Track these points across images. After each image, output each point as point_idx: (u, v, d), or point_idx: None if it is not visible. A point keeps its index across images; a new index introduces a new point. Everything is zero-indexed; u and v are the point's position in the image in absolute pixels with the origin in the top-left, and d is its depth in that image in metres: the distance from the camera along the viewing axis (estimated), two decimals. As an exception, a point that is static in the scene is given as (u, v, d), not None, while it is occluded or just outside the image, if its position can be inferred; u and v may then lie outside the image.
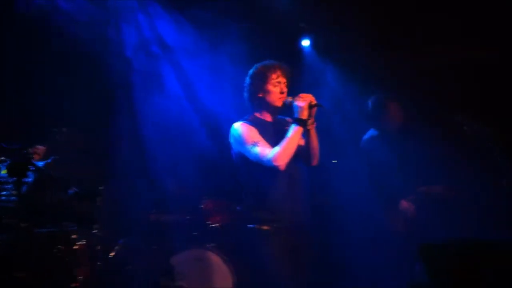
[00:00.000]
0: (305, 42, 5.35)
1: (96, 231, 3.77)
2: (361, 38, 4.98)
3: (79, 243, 3.54)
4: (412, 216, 4.17)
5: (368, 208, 4.36)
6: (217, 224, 4.35)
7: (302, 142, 3.55)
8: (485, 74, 4.68)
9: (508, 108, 4.54)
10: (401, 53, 4.93)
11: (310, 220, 3.63)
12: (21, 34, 4.29)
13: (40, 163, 3.55)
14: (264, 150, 3.42)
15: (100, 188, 3.89)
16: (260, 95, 3.59)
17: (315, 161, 3.63)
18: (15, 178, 3.35)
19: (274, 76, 3.57)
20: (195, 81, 4.87)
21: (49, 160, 3.68)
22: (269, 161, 3.40)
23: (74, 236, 3.54)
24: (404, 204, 4.19)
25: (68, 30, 4.35)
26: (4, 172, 3.43)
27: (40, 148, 3.76)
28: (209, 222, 4.36)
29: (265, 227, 3.50)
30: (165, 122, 4.66)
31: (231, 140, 3.59)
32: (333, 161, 4.93)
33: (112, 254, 3.86)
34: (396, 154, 4.22)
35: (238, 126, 3.55)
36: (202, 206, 4.39)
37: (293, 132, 3.43)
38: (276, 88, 3.57)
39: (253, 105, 3.65)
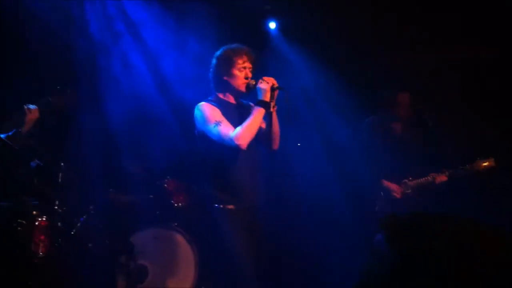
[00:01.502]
0: (272, 25, 5.43)
1: (57, 207, 3.79)
2: (328, 23, 5.06)
3: (40, 219, 3.56)
4: (394, 198, 4.36)
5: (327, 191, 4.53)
6: (180, 204, 4.41)
7: (264, 126, 3.64)
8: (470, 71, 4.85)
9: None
10: (371, 39, 5.02)
11: (265, 201, 3.74)
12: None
13: (2, 135, 3.55)
14: (227, 130, 3.51)
15: (61, 164, 3.90)
16: (225, 78, 3.67)
17: (275, 145, 3.74)
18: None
19: (240, 61, 3.66)
20: (160, 59, 4.89)
21: (10, 133, 3.68)
22: (231, 140, 3.48)
23: (35, 212, 3.56)
24: (389, 185, 4.39)
25: (29, 9, 4.30)
26: None
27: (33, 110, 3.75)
28: (172, 201, 4.41)
29: (229, 207, 3.59)
30: (129, 101, 4.68)
31: (195, 119, 3.65)
32: (298, 144, 5.04)
33: (73, 231, 3.88)
34: (392, 141, 4.41)
35: (202, 106, 3.63)
36: (165, 185, 4.44)
37: (256, 113, 3.53)
38: (241, 73, 3.66)
39: (217, 86, 3.73)
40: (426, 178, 4.42)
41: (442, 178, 4.40)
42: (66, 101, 3.94)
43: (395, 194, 4.43)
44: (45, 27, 4.35)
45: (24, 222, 3.51)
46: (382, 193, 4.44)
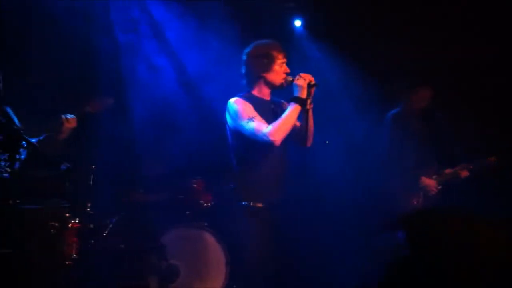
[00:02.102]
0: (297, 23, 5.42)
1: (88, 209, 3.83)
2: (356, 21, 5.05)
3: (72, 221, 3.60)
4: (432, 194, 4.34)
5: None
6: (209, 203, 4.43)
7: (297, 123, 3.63)
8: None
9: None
10: (397, 38, 5.01)
11: (289, 199, 3.76)
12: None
13: (33, 140, 3.60)
14: (260, 125, 3.51)
15: (92, 166, 3.94)
16: (263, 74, 3.65)
17: (309, 143, 3.73)
18: (7, 155, 3.40)
19: (280, 56, 3.65)
20: (183, 59, 4.91)
21: (41, 137, 3.73)
22: (265, 135, 3.48)
23: (67, 214, 3.61)
24: (427, 181, 4.36)
25: (52, 10, 4.35)
26: None
27: (70, 119, 3.81)
28: (201, 201, 4.44)
29: (257, 204, 3.60)
30: (153, 102, 4.71)
31: (226, 116, 3.65)
32: (326, 142, 5.04)
33: (105, 233, 3.92)
34: (415, 135, 4.40)
35: (234, 102, 3.62)
36: (194, 185, 4.47)
37: (291, 110, 3.53)
38: (281, 69, 3.64)
39: (251, 82, 3.71)
40: (451, 172, 4.40)
41: (465, 172, 4.39)
42: (101, 108, 4.01)
43: (432, 190, 4.40)
44: (68, 28, 4.40)
45: (56, 224, 3.56)
46: (419, 189, 4.40)
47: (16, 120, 3.88)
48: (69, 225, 3.63)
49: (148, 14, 4.79)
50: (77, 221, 3.67)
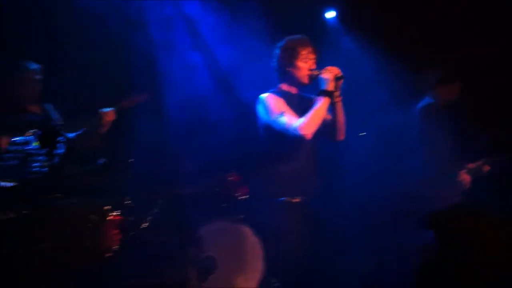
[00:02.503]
0: (330, 14, 5.40)
1: (128, 202, 3.91)
2: (392, 12, 5.03)
3: (112, 213, 3.67)
4: (468, 188, 4.31)
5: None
6: (244, 196, 4.47)
7: (328, 116, 3.64)
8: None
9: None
10: (431, 30, 4.98)
11: (321, 194, 3.81)
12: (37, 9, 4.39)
13: (71, 135, 3.70)
14: (291, 119, 3.55)
15: (130, 160, 4.02)
16: (288, 69, 3.70)
17: (341, 136, 3.78)
18: (46, 150, 3.50)
19: (304, 51, 3.70)
20: (217, 55, 4.96)
21: (79, 132, 3.83)
22: (296, 129, 3.52)
23: (107, 207, 3.68)
24: (463, 175, 4.32)
25: (87, 10, 4.45)
26: (35, 144, 3.57)
27: (109, 112, 3.92)
28: (237, 194, 4.47)
29: (290, 199, 3.63)
30: (188, 97, 4.77)
31: (258, 111, 3.70)
32: (360, 134, 5.03)
33: (144, 225, 3.99)
34: (446, 127, 4.38)
35: (265, 97, 3.68)
36: (229, 178, 4.51)
37: (320, 103, 3.56)
38: (305, 64, 3.69)
39: (280, 77, 3.77)
40: (475, 167, 4.35)
41: (487, 167, 4.34)
42: (136, 103, 4.10)
43: (467, 184, 4.36)
44: (104, 27, 4.49)
45: (96, 217, 3.64)
46: (454, 184, 4.35)
47: (55, 116, 4.01)
48: (110, 218, 3.71)
49: (181, 11, 4.86)
50: (116, 213, 3.74)
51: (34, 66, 4.01)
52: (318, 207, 3.76)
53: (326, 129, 3.68)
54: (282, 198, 3.67)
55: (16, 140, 3.69)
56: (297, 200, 3.68)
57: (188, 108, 4.68)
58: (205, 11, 4.91)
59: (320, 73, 3.61)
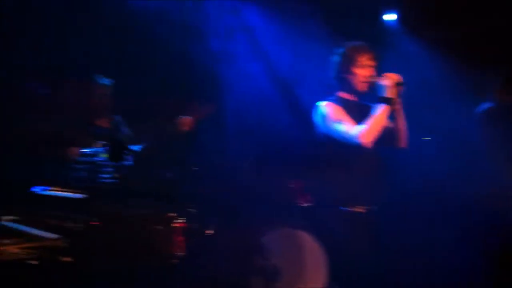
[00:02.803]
0: (390, 16, 5.33)
1: (192, 209, 3.99)
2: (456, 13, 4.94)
3: (177, 221, 3.75)
4: None
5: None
6: (306, 204, 4.48)
7: (388, 124, 3.61)
8: None
9: None
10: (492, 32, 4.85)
11: (385, 203, 3.78)
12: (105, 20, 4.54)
13: (137, 147, 3.82)
14: (350, 128, 3.55)
15: (194, 168, 4.11)
16: (347, 76, 3.68)
17: (403, 143, 3.74)
18: (114, 161, 3.64)
19: (362, 59, 3.68)
20: (276, 62, 4.99)
21: (145, 145, 3.94)
22: (355, 138, 3.52)
23: (172, 214, 3.77)
24: None
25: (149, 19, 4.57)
26: (104, 155, 3.72)
27: (188, 119, 4.05)
28: (299, 201, 4.49)
29: (351, 208, 3.62)
30: (248, 105, 4.82)
31: (316, 119, 3.71)
32: (425, 139, 4.95)
33: (209, 232, 4.06)
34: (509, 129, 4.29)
35: (323, 105, 3.69)
36: (291, 185, 4.53)
37: (380, 111, 3.52)
38: (363, 71, 3.66)
39: (339, 84, 3.75)
40: None
41: None
42: (201, 114, 4.19)
43: None
44: (163, 35, 4.60)
45: (163, 224, 3.72)
46: None
47: (124, 129, 4.15)
48: (174, 225, 3.79)
49: (241, 19, 4.91)
50: (181, 220, 3.81)
51: (105, 80, 4.18)
52: (381, 215, 3.73)
53: (387, 136, 3.65)
54: (345, 208, 3.66)
55: (86, 151, 3.86)
56: (360, 209, 3.67)
57: (248, 116, 4.74)
58: (263, 18, 4.95)
59: (379, 80, 3.59)
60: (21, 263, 2.94)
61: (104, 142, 3.81)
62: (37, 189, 3.75)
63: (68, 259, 3.11)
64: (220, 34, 4.80)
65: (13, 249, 2.92)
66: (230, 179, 4.50)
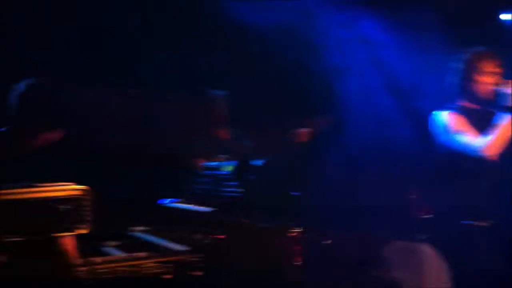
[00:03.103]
0: (507, 16, 5.11)
1: (309, 219, 4.01)
2: None
3: (294, 230, 3.78)
4: None
5: None
6: (428, 215, 4.39)
7: None
8: None
9: None
10: None
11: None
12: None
13: (259, 162, 3.91)
14: (474, 139, 3.43)
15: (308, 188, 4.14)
16: (469, 84, 3.57)
17: None
18: (237, 175, 3.74)
19: (486, 65, 3.56)
20: (396, 72, 4.93)
21: (267, 159, 4.02)
22: (480, 150, 3.39)
23: (293, 226, 3.81)
24: None
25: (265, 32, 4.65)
26: (227, 169, 3.83)
27: (305, 132, 4.14)
28: (419, 213, 4.41)
29: (482, 224, 3.51)
30: (367, 117, 4.79)
31: (436, 129, 3.63)
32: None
33: (327, 242, 4.07)
34: None
35: (443, 114, 3.62)
36: (411, 196, 4.47)
37: (505, 121, 3.38)
38: (487, 79, 3.54)
39: (460, 92, 3.65)
40: None
41: None
42: (319, 127, 4.24)
43: None
44: (281, 48, 4.66)
45: (283, 237, 3.77)
46: None
47: (246, 141, 4.25)
48: (291, 234, 3.81)
49: (358, 31, 4.90)
50: (298, 230, 3.83)
51: (221, 92, 4.32)
52: (506, 230, 3.58)
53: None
54: (469, 222, 3.56)
55: (209, 164, 3.99)
56: (484, 223, 3.55)
57: (366, 128, 4.70)
58: (380, 29, 4.91)
59: (502, 87, 3.47)
60: (156, 278, 3.05)
61: (227, 156, 3.93)
62: (165, 201, 3.94)
63: (198, 273, 3.20)
64: (337, 46, 4.80)
65: (149, 263, 3.04)
66: (349, 190, 4.49)
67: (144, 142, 4.15)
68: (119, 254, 3.18)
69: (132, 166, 3.93)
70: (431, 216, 4.40)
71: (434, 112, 3.68)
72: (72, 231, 2.67)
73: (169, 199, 3.95)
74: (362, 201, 4.54)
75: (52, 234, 2.64)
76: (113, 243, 3.46)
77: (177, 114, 4.29)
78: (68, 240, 2.69)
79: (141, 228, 3.70)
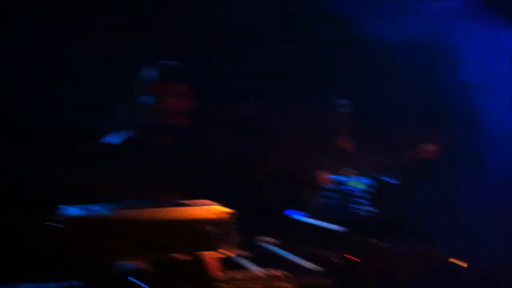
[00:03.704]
0: None
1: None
2: None
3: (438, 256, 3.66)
4: None
5: None
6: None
7: None
8: None
9: None
10: None
11: None
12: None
13: (395, 180, 3.82)
14: None
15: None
16: None
17: None
18: (368, 191, 3.68)
19: None
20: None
21: (392, 180, 3.93)
22: None
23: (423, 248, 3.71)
24: None
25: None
26: (355, 184, 3.77)
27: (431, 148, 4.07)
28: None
29: None
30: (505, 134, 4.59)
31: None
32: None
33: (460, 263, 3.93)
34: None
35: None
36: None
37: None
38: None
39: None
40: None
41: None
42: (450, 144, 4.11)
43: None
44: (413, 64, 4.54)
45: (413, 259, 3.68)
46: None
47: (372, 156, 4.18)
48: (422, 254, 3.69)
49: (496, 45, 4.69)
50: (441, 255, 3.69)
51: (343, 101, 4.27)
52: None
53: None
54: None
55: (335, 178, 3.94)
56: None
57: (503, 144, 4.52)
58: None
59: None
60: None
61: (353, 170, 3.87)
62: (293, 214, 3.91)
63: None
64: (473, 61, 4.62)
65: (283, 284, 3.01)
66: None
67: (272, 153, 4.15)
68: (254, 269, 3.18)
69: (260, 177, 3.95)
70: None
71: None
72: (219, 253, 2.72)
73: (296, 212, 3.91)
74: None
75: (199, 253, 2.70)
76: (244, 252, 3.48)
77: (307, 124, 4.28)
78: (213, 258, 2.74)
79: (270, 239, 3.71)
